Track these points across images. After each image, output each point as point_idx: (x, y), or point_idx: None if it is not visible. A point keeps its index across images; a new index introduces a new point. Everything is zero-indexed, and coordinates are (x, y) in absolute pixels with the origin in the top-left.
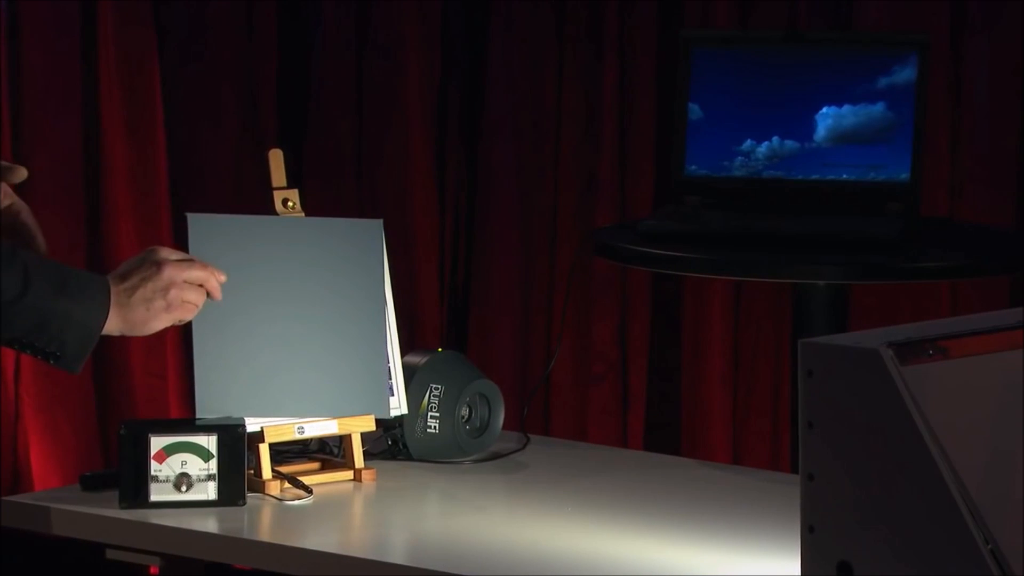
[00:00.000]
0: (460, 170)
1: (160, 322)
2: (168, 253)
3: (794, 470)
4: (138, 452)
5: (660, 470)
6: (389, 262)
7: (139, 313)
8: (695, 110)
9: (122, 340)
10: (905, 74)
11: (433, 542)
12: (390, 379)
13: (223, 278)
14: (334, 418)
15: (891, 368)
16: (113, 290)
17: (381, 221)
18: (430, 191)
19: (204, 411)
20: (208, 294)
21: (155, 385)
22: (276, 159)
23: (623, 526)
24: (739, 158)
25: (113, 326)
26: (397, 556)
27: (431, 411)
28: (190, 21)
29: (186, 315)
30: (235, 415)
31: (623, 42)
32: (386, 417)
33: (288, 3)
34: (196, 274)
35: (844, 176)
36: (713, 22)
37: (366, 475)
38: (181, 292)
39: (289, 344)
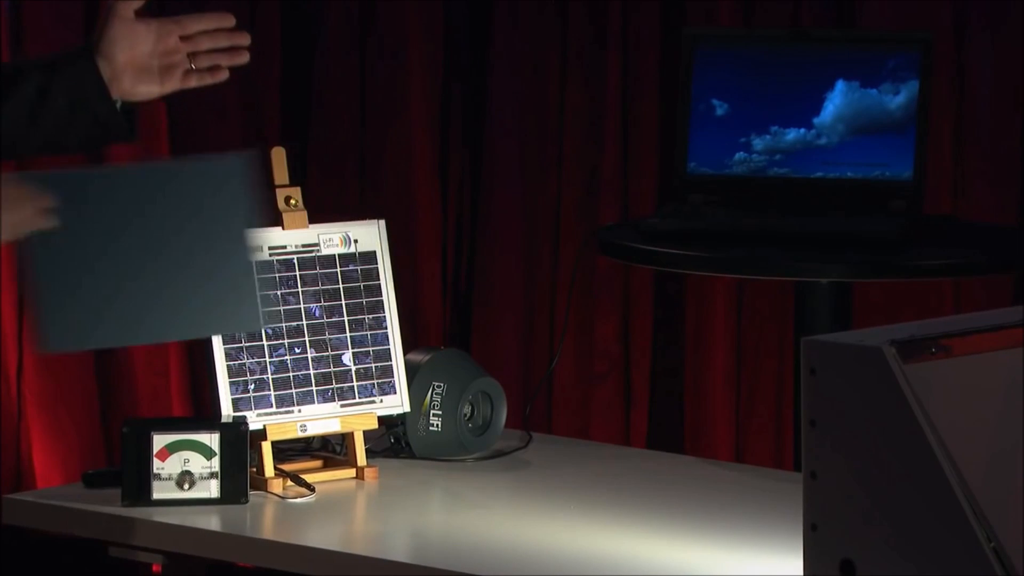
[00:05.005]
0: (463, 168)
1: None
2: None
3: (797, 468)
4: (141, 450)
5: (663, 468)
6: (392, 260)
7: None
8: (698, 108)
9: None
10: (908, 72)
11: (435, 540)
12: (393, 377)
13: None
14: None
15: (894, 366)
16: None
17: (242, 157)
18: (433, 189)
19: (55, 345)
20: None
21: (158, 383)
22: (278, 157)
23: (625, 524)
24: (742, 156)
25: None
26: (399, 554)
27: (434, 409)
28: None
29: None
30: (92, 346)
31: (627, 40)
32: (257, 331)
33: (291, 1)
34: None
35: (847, 174)
36: (716, 20)
37: (369, 473)
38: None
39: (144, 271)
